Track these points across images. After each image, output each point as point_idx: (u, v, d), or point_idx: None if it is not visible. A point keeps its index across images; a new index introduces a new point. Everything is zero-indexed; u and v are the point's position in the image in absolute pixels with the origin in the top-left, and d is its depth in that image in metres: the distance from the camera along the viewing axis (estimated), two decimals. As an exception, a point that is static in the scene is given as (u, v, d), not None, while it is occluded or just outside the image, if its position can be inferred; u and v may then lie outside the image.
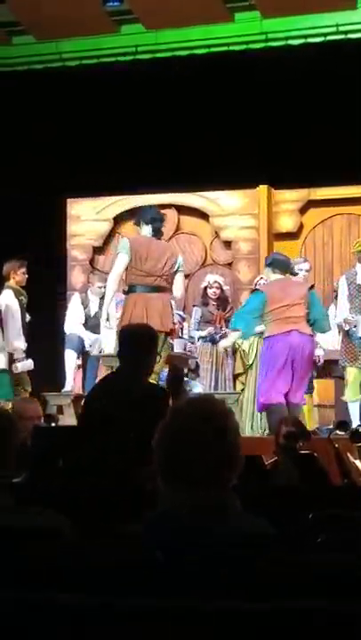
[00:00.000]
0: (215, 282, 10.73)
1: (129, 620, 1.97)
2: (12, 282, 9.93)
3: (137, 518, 2.71)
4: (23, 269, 9.94)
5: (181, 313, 10.70)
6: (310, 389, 9.74)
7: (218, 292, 10.70)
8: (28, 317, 9.92)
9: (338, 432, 8.42)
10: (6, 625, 2.01)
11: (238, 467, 2.63)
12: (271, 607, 1.87)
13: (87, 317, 10.53)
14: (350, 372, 9.28)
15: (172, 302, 8.23)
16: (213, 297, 10.68)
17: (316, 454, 6.34)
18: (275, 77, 10.98)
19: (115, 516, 3.65)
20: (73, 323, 10.52)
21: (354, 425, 8.76)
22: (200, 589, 2.17)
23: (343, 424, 8.83)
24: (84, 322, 10.51)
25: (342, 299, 9.28)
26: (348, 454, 6.50)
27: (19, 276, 9.94)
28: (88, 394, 6.09)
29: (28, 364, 9.84)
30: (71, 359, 10.51)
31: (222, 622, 1.88)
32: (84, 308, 10.55)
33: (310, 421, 9.72)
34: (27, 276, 9.98)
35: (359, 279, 9.23)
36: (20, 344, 9.89)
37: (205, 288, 10.76)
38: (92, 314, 10.54)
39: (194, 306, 10.95)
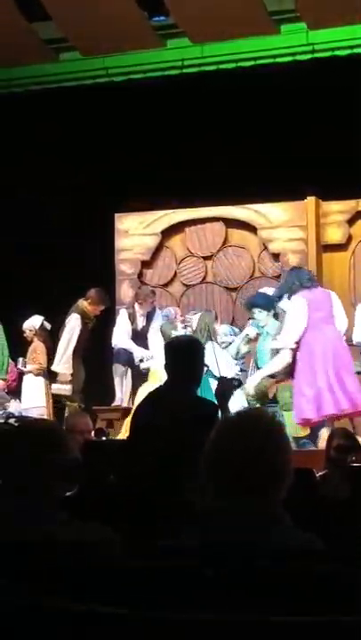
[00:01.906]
0: None
1: (177, 633, 1.96)
2: (87, 306, 10.28)
3: (185, 532, 2.70)
4: (102, 308, 10.33)
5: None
6: None
7: None
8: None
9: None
10: (56, 635, 2.02)
11: (288, 480, 2.62)
12: (317, 621, 1.86)
13: (134, 332, 10.57)
14: None
15: None
16: None
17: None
18: (322, 89, 10.96)
19: (163, 530, 3.64)
20: (121, 337, 10.56)
21: None
22: (248, 603, 2.16)
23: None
24: (131, 336, 10.56)
25: None
26: None
27: (95, 310, 10.33)
28: (136, 408, 6.11)
29: (64, 389, 10.09)
30: (120, 373, 10.55)
31: (267, 636, 1.87)
32: (132, 323, 10.60)
33: None
34: (99, 313, 10.35)
35: None
36: (63, 369, 10.13)
37: None
38: (140, 328, 10.58)
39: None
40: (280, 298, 9.75)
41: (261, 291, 10.65)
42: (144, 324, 10.61)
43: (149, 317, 10.73)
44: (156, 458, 4.65)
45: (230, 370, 9.71)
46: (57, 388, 10.32)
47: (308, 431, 9.39)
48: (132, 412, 5.46)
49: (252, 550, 2.42)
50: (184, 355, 4.94)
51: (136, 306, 10.73)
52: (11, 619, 1.92)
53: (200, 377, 5.06)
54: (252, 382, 9.56)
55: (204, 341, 9.80)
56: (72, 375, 10.37)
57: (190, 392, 4.93)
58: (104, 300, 10.55)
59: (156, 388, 5.45)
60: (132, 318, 10.62)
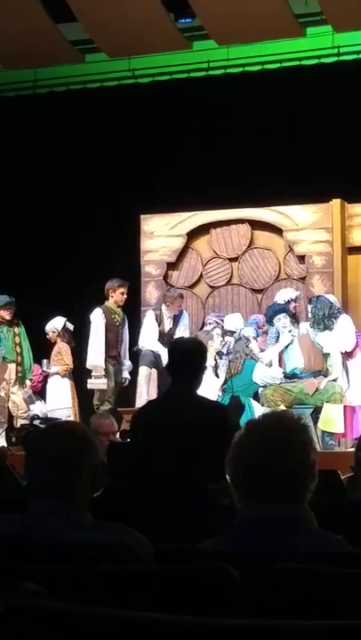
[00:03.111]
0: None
1: (203, 638, 1.97)
2: (110, 300, 10.28)
3: (211, 534, 2.71)
4: (122, 290, 10.30)
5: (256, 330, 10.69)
6: None
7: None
8: (125, 336, 10.21)
9: None
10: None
11: (314, 482, 2.63)
12: (348, 625, 1.86)
13: (161, 334, 10.57)
14: None
15: None
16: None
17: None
18: (348, 91, 10.94)
19: (188, 533, 3.65)
20: (148, 339, 10.58)
21: None
22: (276, 606, 2.16)
23: None
24: (158, 338, 10.57)
25: None
26: None
27: (117, 295, 10.28)
28: (139, 409, 6.13)
29: (99, 384, 10.01)
30: (145, 375, 10.55)
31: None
32: (159, 325, 10.61)
33: None
34: (125, 296, 10.29)
35: None
36: (98, 362, 10.08)
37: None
38: (166, 330, 10.58)
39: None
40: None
41: (282, 292, 10.73)
42: (171, 326, 10.61)
43: (176, 320, 10.74)
44: (162, 460, 4.66)
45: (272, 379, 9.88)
46: (92, 382, 10.26)
47: (343, 429, 9.49)
48: (134, 415, 5.46)
49: (283, 552, 2.42)
50: (188, 356, 4.94)
51: (163, 307, 10.74)
52: (41, 622, 1.93)
53: (202, 378, 5.07)
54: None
55: (242, 363, 9.96)
56: (105, 370, 10.35)
57: (195, 393, 4.94)
58: (118, 280, 10.49)
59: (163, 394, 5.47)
60: (159, 320, 10.63)
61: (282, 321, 10.10)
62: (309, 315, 10.07)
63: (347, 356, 9.96)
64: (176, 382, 4.94)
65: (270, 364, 10.09)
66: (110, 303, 10.42)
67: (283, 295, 10.64)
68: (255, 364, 10.09)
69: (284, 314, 10.15)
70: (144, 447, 4.80)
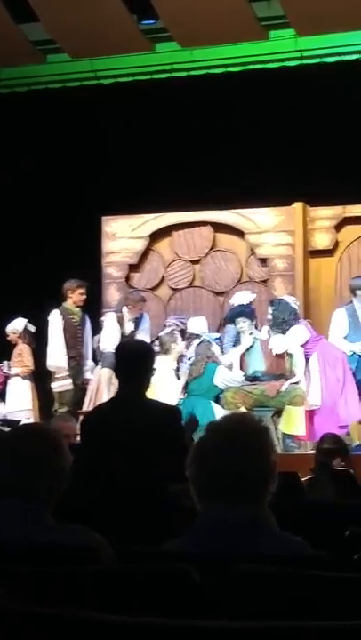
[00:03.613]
0: None
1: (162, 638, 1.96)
2: (68, 301, 10.23)
3: (172, 536, 2.70)
4: (81, 290, 10.25)
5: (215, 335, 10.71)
6: None
7: None
8: (87, 337, 10.17)
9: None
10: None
11: (273, 484, 2.63)
12: (307, 627, 1.86)
13: (122, 336, 10.54)
14: None
15: None
16: None
17: (352, 471, 6.30)
18: (310, 95, 10.99)
19: (149, 534, 3.64)
20: (109, 341, 10.54)
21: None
22: (237, 609, 2.16)
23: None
24: (119, 340, 10.54)
25: None
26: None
27: (76, 296, 10.23)
28: (88, 412, 6.11)
29: (64, 385, 9.96)
30: (107, 377, 10.52)
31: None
32: (120, 327, 10.58)
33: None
34: (84, 297, 10.25)
35: None
36: (59, 363, 10.03)
37: None
38: (128, 333, 10.56)
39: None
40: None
41: (239, 295, 10.78)
42: (132, 328, 10.59)
43: (137, 322, 10.72)
44: (112, 462, 4.64)
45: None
46: (57, 385, 10.21)
47: (304, 432, 9.54)
48: (83, 418, 5.43)
49: (245, 553, 2.42)
50: (136, 358, 4.93)
51: (124, 310, 10.71)
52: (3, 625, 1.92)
53: (150, 380, 5.06)
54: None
55: (204, 366, 9.98)
56: (68, 371, 10.30)
57: (144, 395, 4.92)
58: (77, 281, 10.44)
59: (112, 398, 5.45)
60: (121, 322, 10.60)
61: (240, 324, 10.15)
62: (269, 316, 10.09)
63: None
64: (125, 384, 4.92)
65: (231, 367, 10.11)
66: (68, 304, 10.36)
67: (239, 298, 10.69)
68: (216, 367, 10.10)
69: (243, 317, 10.19)
70: (97, 450, 4.77)
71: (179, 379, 10.31)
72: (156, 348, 9.56)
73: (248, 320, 10.22)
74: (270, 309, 10.10)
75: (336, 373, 9.73)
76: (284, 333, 9.89)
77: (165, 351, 10.17)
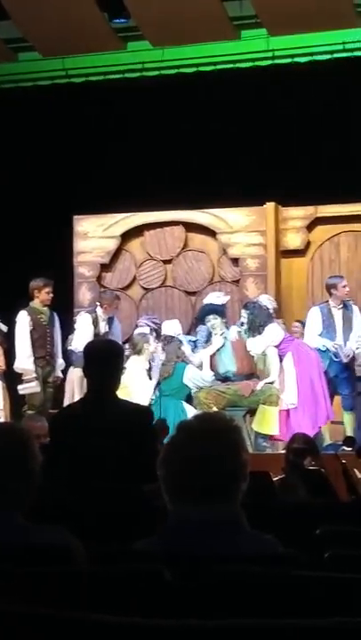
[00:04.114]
0: None
1: (135, 637, 1.95)
2: (35, 301, 10.16)
3: (145, 535, 2.69)
4: (47, 289, 10.16)
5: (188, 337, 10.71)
6: None
7: None
8: (57, 336, 10.13)
9: (345, 448, 8.43)
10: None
11: (245, 483, 2.62)
12: (275, 625, 1.85)
13: (97, 336, 10.50)
14: None
15: None
16: None
17: (323, 470, 6.32)
18: (281, 94, 11.01)
19: (121, 534, 3.63)
20: (82, 341, 10.48)
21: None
22: (211, 607, 2.15)
23: (350, 440, 8.86)
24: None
25: None
26: (355, 470, 6.48)
27: (42, 295, 10.16)
28: (58, 412, 6.09)
29: (30, 387, 9.91)
30: (78, 377, 10.49)
31: None
32: (95, 327, 10.52)
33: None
34: (51, 295, 10.18)
35: None
36: (26, 365, 9.98)
37: None
38: (102, 332, 10.52)
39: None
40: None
41: (212, 295, 10.79)
42: (107, 329, 10.56)
43: (111, 322, 10.70)
44: (83, 463, 4.63)
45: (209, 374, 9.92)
46: (23, 387, 10.16)
47: (278, 432, 9.56)
48: (53, 418, 5.41)
49: (218, 552, 2.41)
50: (105, 358, 4.91)
51: (98, 310, 10.67)
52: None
53: (120, 379, 5.05)
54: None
55: (173, 366, 9.96)
56: (35, 373, 10.26)
57: (114, 395, 4.91)
58: (43, 280, 10.38)
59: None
60: (95, 323, 10.55)
61: (212, 322, 10.14)
62: (243, 319, 10.09)
63: None
64: (95, 384, 4.91)
65: (200, 366, 10.11)
66: (35, 303, 10.28)
67: (212, 299, 10.70)
68: (186, 366, 10.10)
69: (214, 314, 10.18)
70: (68, 450, 4.75)
71: (151, 379, 10.29)
72: (128, 349, 9.53)
73: (219, 317, 10.22)
74: (245, 313, 10.09)
75: (310, 373, 9.76)
76: (259, 334, 9.91)
77: (138, 352, 10.15)
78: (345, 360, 9.85)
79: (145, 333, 10.50)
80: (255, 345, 9.89)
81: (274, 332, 9.91)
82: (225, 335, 10.17)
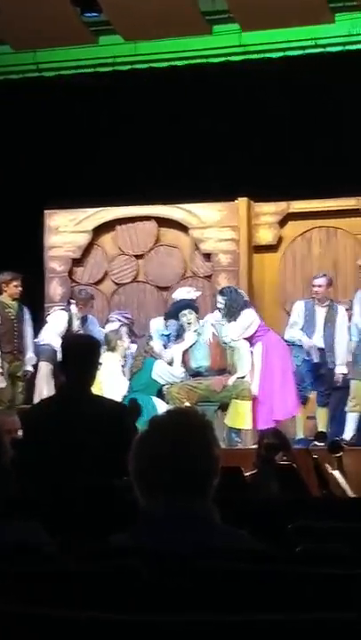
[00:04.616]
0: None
1: (109, 634, 1.93)
2: (4, 295, 10.11)
3: (117, 530, 2.68)
4: (15, 282, 10.13)
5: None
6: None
7: None
8: (27, 330, 10.09)
9: (317, 443, 8.45)
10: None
11: (216, 478, 2.62)
12: (248, 620, 1.85)
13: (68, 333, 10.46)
14: None
15: None
16: None
17: (295, 465, 6.33)
18: (254, 90, 11.01)
19: (94, 529, 3.62)
20: (50, 334, 10.44)
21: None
22: (184, 603, 2.14)
23: (322, 435, 8.88)
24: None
25: None
26: (327, 465, 6.49)
27: (11, 289, 10.11)
28: (30, 408, 6.07)
29: None
30: (45, 371, 10.44)
31: (207, 636, 1.85)
32: (69, 326, 10.47)
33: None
34: (20, 289, 10.13)
35: None
36: None
37: None
38: (75, 330, 10.48)
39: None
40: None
41: (180, 290, 10.80)
42: (80, 327, 10.53)
43: (84, 321, 10.68)
44: (58, 456, 4.61)
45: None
46: None
47: (250, 426, 9.59)
48: (25, 413, 5.39)
49: (191, 548, 2.40)
50: (81, 353, 4.90)
51: (73, 308, 10.64)
52: None
53: (95, 375, 5.04)
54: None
55: (142, 360, 9.93)
56: (2, 367, 10.21)
57: (89, 391, 4.90)
58: (10, 273, 10.33)
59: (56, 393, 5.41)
60: (70, 321, 10.51)
61: (187, 317, 10.13)
62: (220, 305, 10.08)
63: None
64: (70, 379, 4.89)
65: (171, 362, 10.10)
66: (3, 297, 10.25)
67: (182, 294, 10.70)
68: (155, 362, 10.09)
69: (189, 309, 10.18)
70: (41, 445, 4.73)
71: (125, 375, 10.28)
72: (102, 346, 9.51)
73: (194, 313, 10.22)
74: (222, 299, 10.09)
75: (277, 367, 9.79)
76: (234, 320, 9.93)
77: (112, 348, 10.13)
78: (315, 360, 9.89)
79: (117, 330, 10.48)
80: (232, 330, 9.89)
81: (250, 317, 9.92)
82: (199, 331, 10.17)
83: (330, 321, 10.01)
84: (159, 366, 10.06)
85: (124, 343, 10.33)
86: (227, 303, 9.99)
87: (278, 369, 9.78)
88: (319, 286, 10.16)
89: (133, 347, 10.47)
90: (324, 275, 10.44)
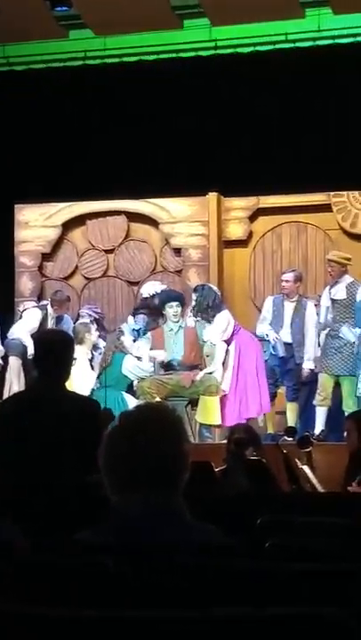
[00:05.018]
0: None
1: (79, 629, 1.93)
2: None
3: (88, 526, 2.68)
4: None
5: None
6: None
7: None
8: None
9: (286, 438, 8.49)
10: None
11: (186, 472, 2.62)
12: (219, 615, 1.85)
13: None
14: None
15: None
16: None
17: (265, 461, 6.34)
18: (223, 85, 11.00)
19: (65, 525, 3.61)
20: (21, 329, 10.42)
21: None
22: (152, 598, 2.15)
23: (291, 430, 8.92)
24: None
25: None
26: (297, 460, 6.52)
27: None
28: (1, 402, 6.05)
29: None
30: (15, 366, 10.41)
31: (176, 631, 1.85)
32: (41, 325, 10.42)
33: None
34: None
35: None
36: None
37: None
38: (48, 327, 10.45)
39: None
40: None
41: (148, 285, 10.80)
42: (54, 326, 10.51)
43: (59, 320, 10.68)
44: (30, 454, 4.60)
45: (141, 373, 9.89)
46: None
47: (220, 421, 9.60)
48: None
49: (162, 542, 2.40)
50: (55, 349, 4.88)
51: (49, 308, 10.62)
52: None
53: (70, 371, 5.02)
54: None
55: (111, 356, 9.89)
56: None
57: (63, 387, 4.88)
58: None
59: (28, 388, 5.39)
60: (44, 319, 10.48)
61: (174, 309, 10.10)
62: (193, 302, 10.11)
63: None
64: (43, 375, 4.87)
65: (140, 358, 10.09)
66: None
67: (149, 288, 10.70)
68: (124, 356, 10.08)
69: (177, 302, 10.15)
70: (12, 441, 4.71)
71: (93, 369, 10.27)
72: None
73: (182, 307, 10.20)
74: (194, 295, 10.12)
75: (250, 366, 9.83)
76: (209, 321, 9.94)
77: (79, 341, 10.11)
78: (281, 354, 9.93)
79: (86, 323, 10.47)
80: (211, 334, 9.92)
81: (225, 319, 9.95)
82: (180, 324, 10.15)
83: (298, 316, 10.06)
84: (129, 362, 10.05)
85: (92, 337, 10.32)
86: (198, 300, 10.01)
87: (252, 367, 9.82)
88: (287, 281, 10.20)
89: (102, 342, 10.45)
90: (293, 270, 10.48)
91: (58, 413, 4.67)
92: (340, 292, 9.90)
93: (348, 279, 9.99)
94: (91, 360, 10.32)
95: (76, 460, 4.49)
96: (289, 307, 10.12)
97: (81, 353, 10.01)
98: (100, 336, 10.53)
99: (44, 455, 4.57)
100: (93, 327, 10.46)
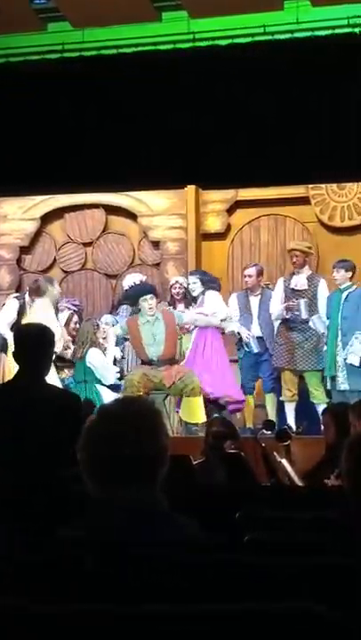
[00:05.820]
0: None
1: (55, 624, 1.93)
2: None
3: (66, 522, 2.67)
4: None
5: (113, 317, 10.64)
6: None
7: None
8: None
9: (265, 432, 8.50)
10: None
11: (165, 466, 2.62)
12: (196, 610, 1.85)
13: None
14: None
15: None
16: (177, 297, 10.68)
17: (243, 454, 6.35)
18: (202, 77, 10.98)
19: (43, 520, 3.61)
20: (0, 323, 10.37)
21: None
22: (131, 593, 2.14)
23: (270, 423, 8.94)
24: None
25: None
26: (275, 453, 6.53)
27: None
28: None
29: None
30: (-3, 360, 10.40)
31: (153, 627, 1.85)
32: (20, 315, 10.37)
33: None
34: None
35: None
36: None
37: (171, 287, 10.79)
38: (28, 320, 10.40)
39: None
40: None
41: (129, 277, 10.81)
42: (34, 314, 10.45)
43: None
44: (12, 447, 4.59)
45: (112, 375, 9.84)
46: None
47: (204, 419, 9.61)
48: None
49: (141, 537, 2.40)
50: (35, 343, 4.87)
51: (27, 297, 10.56)
52: None
53: (50, 365, 5.01)
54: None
55: (86, 350, 9.80)
56: None
57: (43, 381, 4.87)
58: None
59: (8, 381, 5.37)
60: (22, 310, 10.41)
61: (148, 302, 10.04)
62: (194, 284, 10.24)
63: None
64: (24, 369, 4.86)
65: (111, 359, 10.04)
66: None
67: (130, 280, 10.69)
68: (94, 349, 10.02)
69: (151, 295, 10.12)
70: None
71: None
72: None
73: (155, 298, 10.19)
74: (195, 278, 10.27)
75: (216, 360, 9.92)
76: (192, 305, 10.13)
77: (91, 344, 10.07)
78: (256, 350, 9.96)
79: (69, 318, 10.44)
80: (215, 308, 10.08)
81: (219, 297, 10.18)
82: (156, 316, 10.11)
83: (263, 308, 10.11)
84: (92, 355, 9.89)
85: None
86: (201, 278, 10.16)
87: (216, 362, 9.91)
88: (250, 276, 10.28)
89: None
90: (255, 265, 10.55)
91: (37, 407, 4.66)
92: (300, 282, 9.95)
93: (307, 271, 10.09)
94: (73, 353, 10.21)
95: (57, 454, 4.48)
96: (254, 300, 10.19)
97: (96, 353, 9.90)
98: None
99: (21, 448, 4.56)
100: (74, 321, 10.41)
